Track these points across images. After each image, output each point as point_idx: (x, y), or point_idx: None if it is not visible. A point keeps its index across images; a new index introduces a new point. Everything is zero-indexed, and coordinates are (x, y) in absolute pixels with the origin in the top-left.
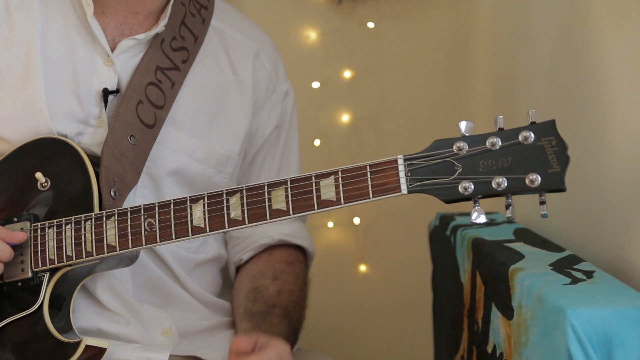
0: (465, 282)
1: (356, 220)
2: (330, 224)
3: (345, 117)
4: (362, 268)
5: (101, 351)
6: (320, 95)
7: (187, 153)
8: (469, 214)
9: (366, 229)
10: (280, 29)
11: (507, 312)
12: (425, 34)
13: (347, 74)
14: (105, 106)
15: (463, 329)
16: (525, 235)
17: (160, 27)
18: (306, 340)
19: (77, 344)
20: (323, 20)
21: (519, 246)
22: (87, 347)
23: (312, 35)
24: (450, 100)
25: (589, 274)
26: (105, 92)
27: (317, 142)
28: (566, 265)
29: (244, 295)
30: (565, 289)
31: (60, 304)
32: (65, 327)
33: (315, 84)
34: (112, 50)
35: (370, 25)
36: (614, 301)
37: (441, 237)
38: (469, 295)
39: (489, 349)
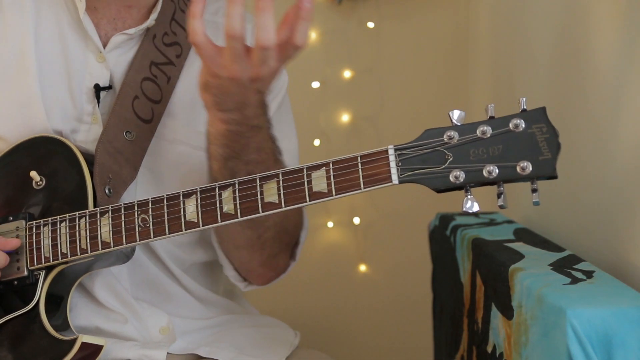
0: (465, 282)
1: (356, 220)
2: (330, 224)
3: (345, 117)
4: (362, 268)
5: (98, 349)
6: (320, 95)
7: (185, 142)
8: (468, 213)
9: (366, 229)
10: None
11: (507, 312)
12: (425, 34)
13: (347, 74)
14: (98, 103)
15: (463, 328)
16: (525, 235)
17: (150, 20)
18: (306, 340)
19: (73, 341)
20: (323, 20)
21: (519, 246)
22: (84, 344)
23: (312, 35)
24: (450, 100)
25: (589, 274)
26: (97, 89)
27: (316, 142)
28: (566, 265)
29: None
30: (565, 289)
31: (57, 301)
32: (63, 325)
33: (315, 84)
34: (105, 45)
35: (370, 25)
36: (614, 301)
37: (441, 237)
38: (468, 295)
39: (489, 349)
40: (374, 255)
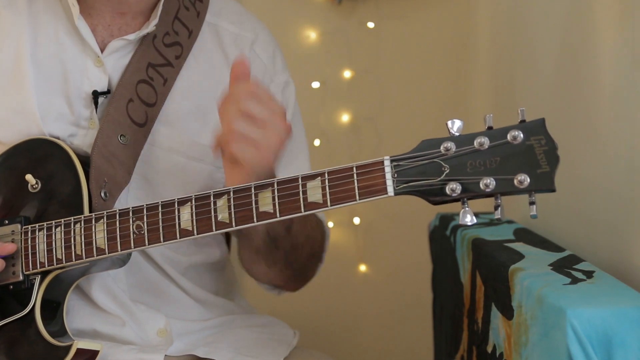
0: (465, 282)
1: (356, 220)
2: (330, 224)
3: (345, 117)
4: (362, 268)
5: (94, 354)
6: (320, 95)
7: (181, 152)
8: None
9: (366, 229)
10: (280, 29)
11: (507, 312)
12: (425, 34)
13: (347, 74)
14: (96, 108)
15: (463, 329)
16: (525, 235)
17: (150, 27)
18: (306, 341)
19: (69, 347)
20: (323, 20)
21: (519, 246)
22: (79, 350)
23: (312, 35)
24: (450, 101)
25: (589, 274)
26: (95, 94)
27: (317, 142)
28: (566, 265)
29: None
30: (565, 289)
31: (53, 306)
32: (60, 330)
33: (315, 84)
34: (102, 50)
35: (370, 25)
36: (614, 301)
37: (441, 237)
38: (469, 295)
39: (489, 349)
40: (374, 255)
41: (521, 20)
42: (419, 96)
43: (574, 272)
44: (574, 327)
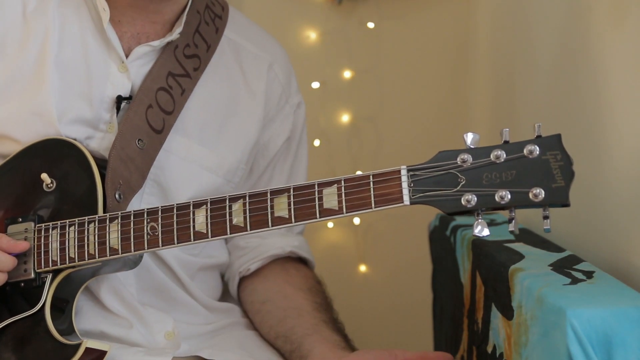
0: (465, 282)
1: (356, 221)
2: (330, 224)
3: (345, 117)
4: (362, 268)
5: (102, 354)
6: (320, 95)
7: (196, 162)
8: (468, 215)
9: (366, 229)
10: (280, 29)
11: (507, 312)
12: (425, 34)
13: (347, 74)
14: (117, 112)
15: (463, 329)
16: (525, 235)
17: (175, 34)
18: None
19: (78, 345)
20: (323, 20)
21: (519, 246)
22: (88, 349)
23: (312, 35)
24: (450, 101)
25: (589, 274)
26: (119, 99)
27: (316, 142)
28: (566, 266)
29: (305, 306)
30: (565, 289)
31: (62, 305)
32: (68, 329)
33: (315, 84)
34: (127, 56)
35: (370, 25)
36: (614, 301)
37: (441, 237)
38: (469, 295)
39: (489, 349)
40: (374, 255)
41: (521, 20)
42: (419, 96)
43: (574, 272)
44: (574, 327)
